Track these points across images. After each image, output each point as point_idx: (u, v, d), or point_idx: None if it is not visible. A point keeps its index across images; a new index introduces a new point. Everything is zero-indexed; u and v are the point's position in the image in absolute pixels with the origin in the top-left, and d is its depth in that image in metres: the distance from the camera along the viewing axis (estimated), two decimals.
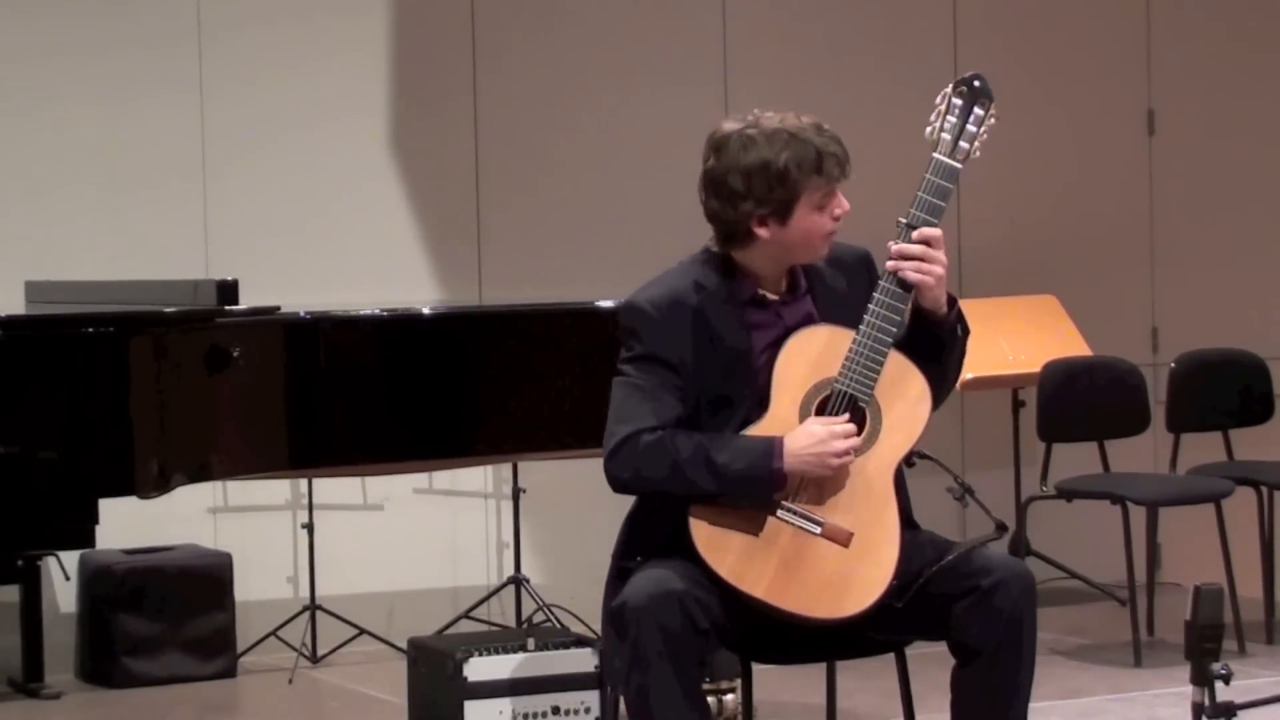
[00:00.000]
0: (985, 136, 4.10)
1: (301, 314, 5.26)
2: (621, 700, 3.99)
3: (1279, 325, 8.35)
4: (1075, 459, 7.14)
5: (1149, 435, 7.42)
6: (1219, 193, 8.68)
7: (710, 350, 4.07)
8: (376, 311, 5.47)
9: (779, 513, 4.01)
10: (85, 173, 7.20)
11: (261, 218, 7.38)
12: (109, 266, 6.90)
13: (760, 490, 3.99)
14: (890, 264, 4.06)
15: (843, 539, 4.01)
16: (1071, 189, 8.36)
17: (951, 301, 4.12)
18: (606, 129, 7.86)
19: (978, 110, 4.11)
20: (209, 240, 7.31)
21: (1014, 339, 7.65)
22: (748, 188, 4.04)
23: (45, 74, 7.17)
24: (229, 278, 5.12)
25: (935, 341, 4.11)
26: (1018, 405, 7.93)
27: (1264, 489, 7.12)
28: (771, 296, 4.15)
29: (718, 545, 3.98)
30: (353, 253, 7.47)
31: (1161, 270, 8.65)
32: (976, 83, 4.13)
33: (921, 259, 4.04)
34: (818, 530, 4.01)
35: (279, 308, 5.25)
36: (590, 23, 7.87)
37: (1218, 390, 7.37)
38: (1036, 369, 7.16)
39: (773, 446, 3.99)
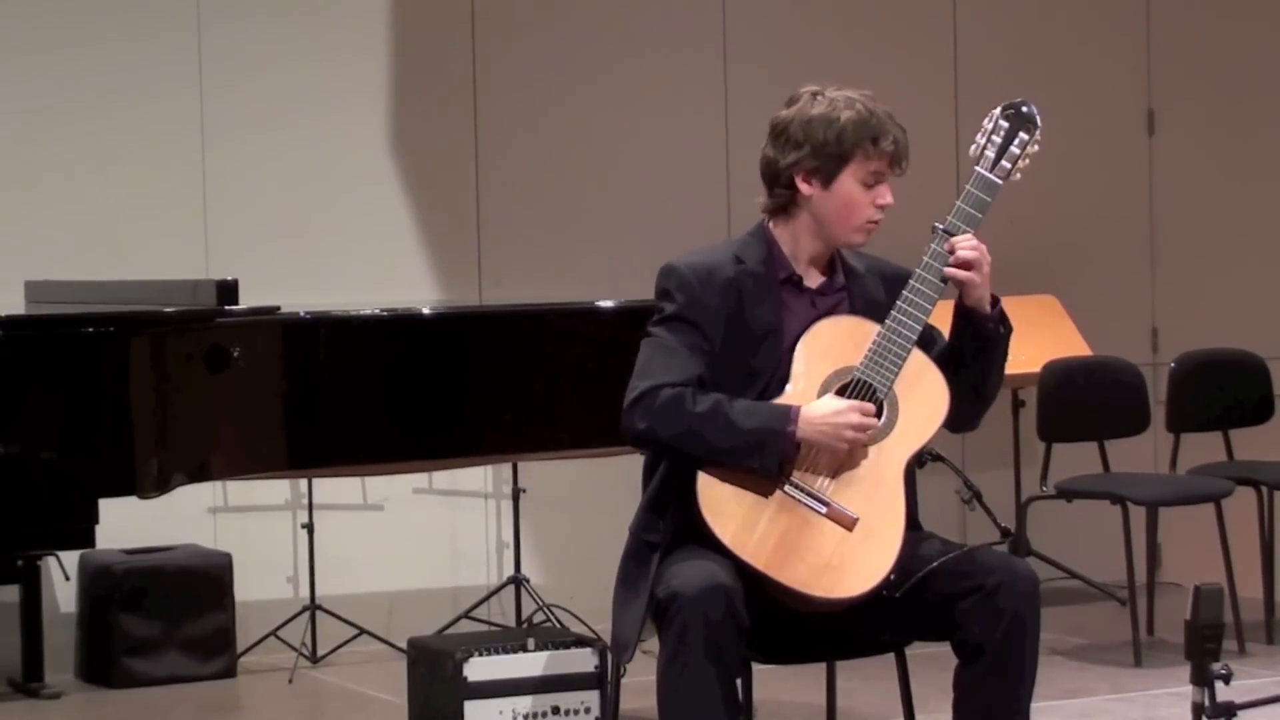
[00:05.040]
0: (1026, 162, 4.16)
1: (301, 314, 5.26)
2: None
3: (1279, 325, 8.35)
4: (1075, 459, 7.14)
5: (1149, 435, 7.42)
6: (1219, 193, 8.68)
7: (740, 322, 4.12)
8: (376, 311, 5.47)
9: (786, 488, 4.03)
10: (85, 173, 7.20)
11: (261, 218, 7.38)
12: (109, 266, 6.90)
13: (770, 452, 4.00)
14: (951, 244, 4.09)
15: (847, 523, 4.03)
16: (1071, 189, 8.36)
17: (994, 300, 4.16)
18: (607, 129, 7.86)
19: (1022, 135, 4.18)
20: (209, 240, 7.31)
21: (1014, 339, 7.62)
22: (804, 137, 4.12)
23: (45, 74, 7.17)
24: (229, 278, 5.11)
25: (977, 342, 4.15)
26: (1018, 405, 7.93)
27: (1264, 489, 7.12)
28: (808, 283, 4.19)
29: (722, 512, 4.00)
30: (353, 253, 7.47)
31: (1161, 270, 8.65)
32: (1024, 108, 4.20)
33: (974, 262, 4.09)
34: (823, 510, 4.03)
35: (279, 308, 5.25)
36: (590, 24, 7.87)
37: (1218, 390, 7.37)
38: (1036, 369, 7.16)
39: (790, 411, 4.03)
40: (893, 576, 4.02)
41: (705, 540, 3.99)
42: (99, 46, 7.23)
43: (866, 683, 5.41)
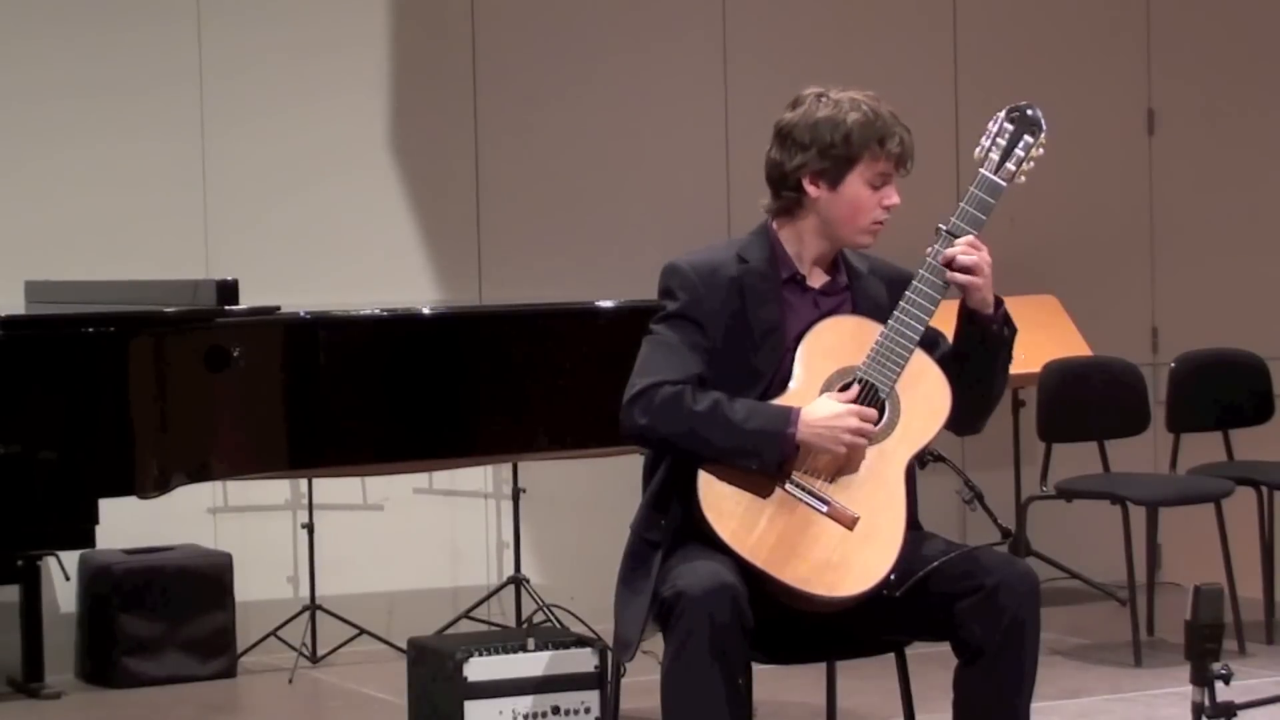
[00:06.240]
0: (1031, 165, 4.17)
1: (301, 314, 5.26)
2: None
3: (1279, 325, 8.35)
4: (1075, 459, 7.14)
5: (1149, 435, 7.42)
6: (1219, 193, 8.67)
7: (742, 321, 4.12)
8: (376, 311, 5.47)
9: (787, 487, 4.03)
10: (85, 173, 7.20)
11: (261, 218, 7.38)
12: (109, 266, 6.90)
13: (769, 452, 4.00)
14: (947, 253, 4.09)
15: (848, 521, 4.03)
16: (1071, 189, 8.35)
17: (998, 302, 4.16)
18: (606, 129, 7.86)
19: (1027, 138, 4.18)
20: (209, 240, 7.31)
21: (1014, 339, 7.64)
22: (811, 139, 4.12)
23: (44, 73, 7.16)
24: (229, 278, 5.11)
25: (981, 344, 4.14)
26: (1018, 405, 7.92)
27: (1264, 489, 7.12)
28: (812, 283, 4.19)
29: (723, 510, 4.01)
30: (353, 253, 7.47)
31: (1161, 270, 8.65)
32: (1030, 112, 4.20)
33: (973, 266, 4.09)
34: (824, 509, 4.03)
35: (279, 308, 5.25)
36: (590, 24, 7.87)
37: (1218, 390, 7.37)
38: (1036, 369, 7.15)
39: (789, 413, 4.03)
40: (893, 576, 4.02)
41: (706, 539, 4.00)
42: (99, 44, 7.23)
43: (866, 683, 5.40)
